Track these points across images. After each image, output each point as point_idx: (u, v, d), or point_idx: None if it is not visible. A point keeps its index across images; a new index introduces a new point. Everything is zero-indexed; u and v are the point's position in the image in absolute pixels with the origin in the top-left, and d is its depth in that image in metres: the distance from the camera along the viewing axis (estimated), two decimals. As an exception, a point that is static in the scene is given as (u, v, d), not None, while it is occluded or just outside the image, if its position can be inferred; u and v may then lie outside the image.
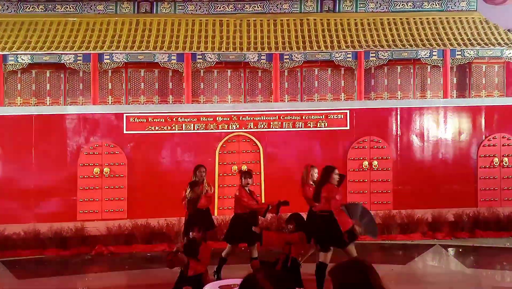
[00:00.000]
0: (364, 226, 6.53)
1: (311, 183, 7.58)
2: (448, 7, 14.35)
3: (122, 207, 11.47)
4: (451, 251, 9.53)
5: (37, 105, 13.52)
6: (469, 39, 13.51)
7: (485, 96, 14.22)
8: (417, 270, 7.44)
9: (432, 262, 8.77)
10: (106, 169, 11.47)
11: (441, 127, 12.18)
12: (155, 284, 7.69)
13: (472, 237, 10.49)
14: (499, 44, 13.33)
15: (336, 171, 6.59)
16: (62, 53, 12.77)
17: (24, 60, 12.74)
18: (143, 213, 10.82)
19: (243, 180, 7.63)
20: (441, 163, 11.96)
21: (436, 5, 14.37)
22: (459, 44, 13.33)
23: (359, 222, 6.48)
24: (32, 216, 11.13)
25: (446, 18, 14.13)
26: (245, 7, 14.19)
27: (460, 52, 13.25)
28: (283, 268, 6.06)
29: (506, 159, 12.01)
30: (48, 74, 13.76)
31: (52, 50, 12.78)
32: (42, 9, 13.84)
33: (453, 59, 13.25)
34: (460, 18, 14.16)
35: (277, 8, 14.25)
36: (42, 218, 10.92)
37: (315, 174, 7.60)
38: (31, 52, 12.73)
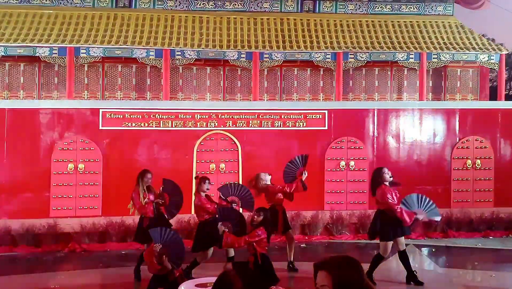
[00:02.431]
0: (426, 212, 7.18)
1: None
2: (426, 11, 14.60)
3: (97, 204, 11.27)
4: (424, 250, 9.70)
5: (10, 99, 13.20)
6: (445, 43, 13.77)
7: (459, 99, 14.53)
8: (391, 269, 7.54)
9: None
10: (80, 165, 11.25)
11: (416, 129, 12.37)
12: (129, 283, 7.59)
13: (445, 237, 10.71)
14: (474, 48, 13.62)
15: (385, 170, 7.27)
16: (37, 46, 12.49)
17: (-3, 52, 12.41)
18: (118, 210, 10.64)
19: (203, 185, 7.53)
20: (416, 164, 12.14)
21: (413, 8, 14.59)
22: (435, 48, 13.58)
23: (422, 210, 7.15)
24: (4, 212, 10.84)
25: (423, 22, 14.38)
26: (226, 4, 14.14)
27: (436, 56, 13.49)
28: (255, 267, 6.08)
29: (478, 161, 12.26)
30: (22, 67, 13.45)
31: (26, 43, 12.49)
32: (17, 0, 13.50)
33: (429, 63, 13.49)
34: (436, 22, 14.42)
35: (258, 6, 14.25)
36: (14, 215, 10.64)
37: (268, 180, 8.01)
38: (4, 44, 12.40)
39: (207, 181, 7.61)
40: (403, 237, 7.14)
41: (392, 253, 8.86)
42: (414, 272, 7.06)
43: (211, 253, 7.54)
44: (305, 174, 7.96)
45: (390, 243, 7.06)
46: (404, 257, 7.08)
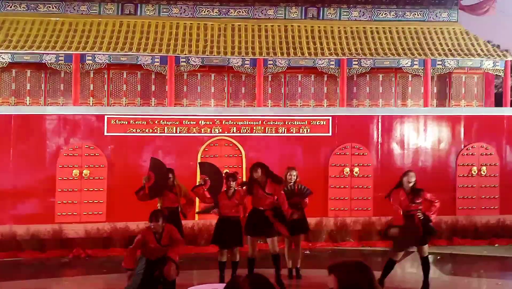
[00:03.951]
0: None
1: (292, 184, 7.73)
2: (430, 17, 14.61)
3: (101, 210, 11.32)
4: (429, 258, 9.63)
5: (16, 105, 13.31)
6: (449, 50, 13.76)
7: (464, 106, 14.49)
8: (396, 276, 7.49)
9: (411, 269, 8.85)
10: (85, 171, 11.31)
11: (421, 135, 12.34)
12: (133, 289, 7.56)
13: (450, 244, 10.61)
14: (478, 55, 13.60)
15: (410, 174, 6.99)
16: (43, 53, 12.61)
17: (4, 59, 12.53)
18: (122, 216, 10.69)
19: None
20: (420, 170, 12.07)
21: (418, 15, 14.61)
22: (439, 54, 13.56)
23: None
24: (9, 218, 10.90)
25: (428, 28, 14.39)
26: (230, 11, 14.22)
27: (440, 62, 13.48)
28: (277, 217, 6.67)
29: (484, 168, 12.21)
30: (28, 74, 13.56)
31: (33, 50, 12.61)
32: (24, 8, 13.65)
33: (433, 69, 13.48)
34: (441, 28, 14.43)
35: (262, 13, 14.32)
36: (19, 220, 10.70)
37: (294, 175, 7.73)
38: (11, 51, 12.53)
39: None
40: (427, 245, 7.04)
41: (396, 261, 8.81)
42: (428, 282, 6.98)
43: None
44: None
45: (404, 250, 6.99)
46: (425, 264, 7.01)
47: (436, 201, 7.06)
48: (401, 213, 6.89)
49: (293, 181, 7.75)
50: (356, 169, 11.86)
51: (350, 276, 2.26)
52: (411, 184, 6.97)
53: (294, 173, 7.81)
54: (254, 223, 7.12)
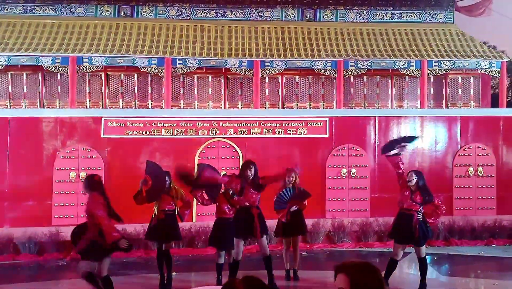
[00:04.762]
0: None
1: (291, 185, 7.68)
2: (426, 19, 14.66)
3: (99, 212, 11.29)
4: (426, 259, 9.65)
5: (13, 108, 13.28)
6: (446, 51, 13.81)
7: (460, 106, 14.54)
8: (393, 277, 7.50)
9: (408, 270, 8.86)
10: (82, 174, 11.27)
11: (417, 136, 12.37)
12: (130, 291, 7.56)
13: (447, 245, 10.64)
14: (474, 56, 13.65)
15: (409, 174, 7.02)
16: (40, 55, 12.58)
17: (0, 61, 12.50)
18: (120, 218, 10.66)
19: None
20: (417, 171, 12.12)
21: (414, 16, 14.66)
22: (436, 56, 13.61)
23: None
24: (6, 220, 10.87)
25: (424, 29, 14.44)
26: (227, 13, 14.23)
27: (437, 63, 13.52)
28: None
29: (480, 169, 12.24)
30: (25, 76, 13.54)
31: (29, 52, 12.59)
32: (21, 10, 13.63)
33: (430, 70, 13.52)
34: (437, 30, 14.48)
35: (259, 15, 14.34)
36: (16, 222, 10.67)
37: (292, 177, 7.68)
38: (8, 54, 12.50)
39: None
40: (424, 246, 7.06)
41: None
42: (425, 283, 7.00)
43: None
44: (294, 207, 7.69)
45: (402, 247, 7.00)
46: (422, 265, 7.03)
47: (443, 207, 7.13)
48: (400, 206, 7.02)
49: (292, 182, 7.74)
50: (353, 170, 11.88)
51: (362, 276, 2.26)
52: (409, 183, 7.01)
53: (293, 174, 7.80)
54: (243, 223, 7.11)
